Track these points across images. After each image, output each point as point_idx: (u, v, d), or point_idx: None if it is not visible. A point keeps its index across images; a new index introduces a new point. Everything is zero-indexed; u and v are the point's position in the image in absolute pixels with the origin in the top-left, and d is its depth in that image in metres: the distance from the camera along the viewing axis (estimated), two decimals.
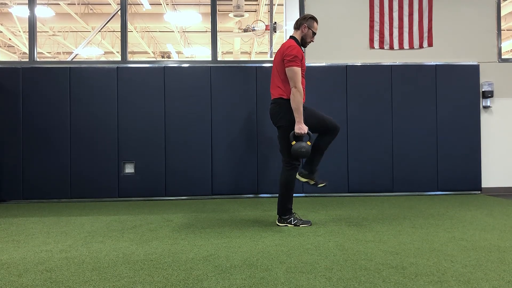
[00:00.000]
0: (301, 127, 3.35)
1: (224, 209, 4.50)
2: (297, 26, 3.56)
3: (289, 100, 3.39)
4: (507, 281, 2.06)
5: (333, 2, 5.69)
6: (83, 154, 5.31)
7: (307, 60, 5.60)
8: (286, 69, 3.38)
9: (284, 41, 3.52)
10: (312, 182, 3.56)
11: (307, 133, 3.40)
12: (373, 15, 5.68)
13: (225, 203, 4.97)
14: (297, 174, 3.52)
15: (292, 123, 3.39)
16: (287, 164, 3.45)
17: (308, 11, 5.64)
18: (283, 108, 3.43)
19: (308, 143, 3.40)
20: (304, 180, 3.54)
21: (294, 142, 3.37)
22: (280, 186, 3.47)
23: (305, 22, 3.53)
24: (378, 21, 5.68)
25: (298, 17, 5.68)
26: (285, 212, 3.47)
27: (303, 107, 3.42)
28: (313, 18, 3.57)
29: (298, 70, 3.35)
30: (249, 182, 5.40)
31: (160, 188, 5.35)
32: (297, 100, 3.34)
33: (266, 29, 8.36)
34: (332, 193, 5.47)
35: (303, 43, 3.59)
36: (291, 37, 3.55)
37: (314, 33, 3.58)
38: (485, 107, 5.70)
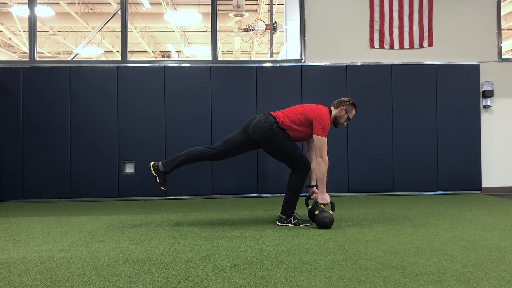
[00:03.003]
0: (324, 197, 3.38)
1: (224, 208, 4.50)
2: (337, 105, 3.53)
3: (277, 123, 3.39)
4: (507, 280, 2.06)
5: (333, 2, 5.69)
6: (83, 154, 5.31)
7: (307, 60, 5.61)
8: (315, 136, 3.36)
9: (321, 107, 3.46)
10: (158, 180, 3.51)
11: (330, 202, 3.42)
12: (373, 14, 5.68)
13: (225, 202, 4.97)
14: (151, 163, 3.51)
15: (280, 134, 3.38)
16: (296, 169, 3.45)
17: (308, 11, 5.64)
18: (270, 125, 3.39)
19: (331, 212, 3.39)
20: (153, 173, 3.50)
21: (317, 212, 3.35)
22: (288, 188, 3.46)
23: (345, 105, 3.50)
24: (378, 21, 5.68)
25: (299, 18, 5.71)
26: (288, 212, 3.47)
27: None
28: (354, 105, 3.53)
29: (326, 140, 3.35)
30: (249, 181, 5.40)
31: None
32: (323, 170, 3.34)
33: (266, 29, 8.37)
34: (332, 193, 5.46)
35: (335, 122, 3.55)
36: (329, 108, 3.51)
37: (349, 119, 3.55)
38: (485, 107, 5.70)
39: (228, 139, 3.56)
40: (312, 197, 3.62)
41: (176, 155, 3.58)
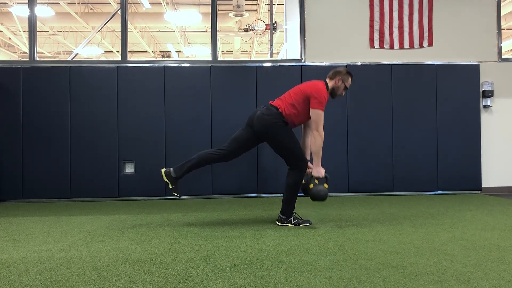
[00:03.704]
0: (319, 171, 3.38)
1: (224, 208, 4.50)
2: (332, 76, 3.52)
3: (280, 112, 3.38)
4: (507, 280, 2.06)
5: (333, 2, 5.69)
6: (83, 154, 5.31)
7: (307, 60, 5.61)
8: (311, 110, 3.35)
9: (316, 81, 3.48)
10: (171, 186, 3.48)
11: (325, 175, 3.41)
12: (373, 14, 5.68)
13: (225, 202, 4.97)
14: (163, 170, 3.48)
15: (284, 126, 3.38)
16: (294, 167, 3.44)
17: (308, 11, 5.64)
18: (273, 116, 3.38)
19: (326, 185, 3.39)
20: (166, 179, 3.47)
21: (312, 185, 3.36)
22: (287, 188, 3.45)
23: (341, 75, 3.49)
24: (378, 21, 5.68)
25: (299, 18, 5.71)
26: (287, 212, 3.47)
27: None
28: (349, 74, 3.54)
29: (322, 114, 3.35)
30: (249, 181, 5.40)
31: (160, 187, 5.34)
32: (318, 144, 3.34)
33: (266, 29, 8.37)
34: (332, 193, 5.47)
35: (333, 94, 3.54)
36: (324, 81, 3.51)
37: (346, 88, 3.55)
38: (485, 107, 5.70)
39: (234, 137, 3.55)
40: (306, 172, 3.61)
41: (186, 160, 3.53)
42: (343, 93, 3.58)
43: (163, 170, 3.49)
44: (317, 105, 3.33)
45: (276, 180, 5.33)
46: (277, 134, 3.39)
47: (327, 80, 3.53)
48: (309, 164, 3.58)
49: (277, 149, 3.49)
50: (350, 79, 3.55)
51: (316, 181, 3.40)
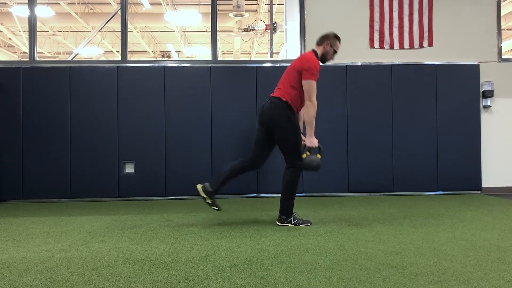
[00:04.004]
0: (312, 141, 3.37)
1: (224, 208, 4.50)
2: (320, 42, 3.53)
3: (285, 101, 3.38)
4: (507, 280, 2.06)
5: (333, 2, 5.69)
6: (83, 154, 5.31)
7: None
8: (303, 81, 3.35)
9: (305, 52, 3.50)
10: (209, 201, 3.48)
11: (318, 146, 3.41)
12: (373, 14, 5.68)
13: (225, 203, 4.97)
14: (199, 186, 3.47)
15: (289, 121, 3.39)
16: (291, 165, 3.44)
17: (308, 11, 5.64)
18: (278, 108, 3.39)
19: (318, 156, 3.39)
20: (203, 194, 3.47)
21: (305, 155, 3.36)
22: (284, 187, 3.46)
23: (328, 40, 3.50)
24: (378, 21, 5.68)
25: (299, 18, 5.71)
26: (286, 212, 3.47)
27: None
28: (337, 37, 3.54)
29: (315, 84, 3.35)
30: (249, 181, 5.40)
31: (160, 188, 5.35)
32: (311, 114, 3.34)
33: (266, 29, 8.38)
34: (332, 193, 5.47)
35: (323, 59, 3.56)
36: (313, 50, 3.52)
37: (335, 52, 3.56)
38: (485, 107, 5.70)
39: (255, 142, 3.55)
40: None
41: (219, 173, 3.55)
42: (333, 58, 3.59)
43: (199, 186, 3.49)
44: (309, 75, 3.34)
45: (276, 180, 5.32)
46: (279, 127, 3.40)
47: (316, 48, 3.55)
48: (302, 136, 3.57)
49: (278, 143, 3.49)
50: (338, 43, 3.56)
51: (308, 153, 3.39)
